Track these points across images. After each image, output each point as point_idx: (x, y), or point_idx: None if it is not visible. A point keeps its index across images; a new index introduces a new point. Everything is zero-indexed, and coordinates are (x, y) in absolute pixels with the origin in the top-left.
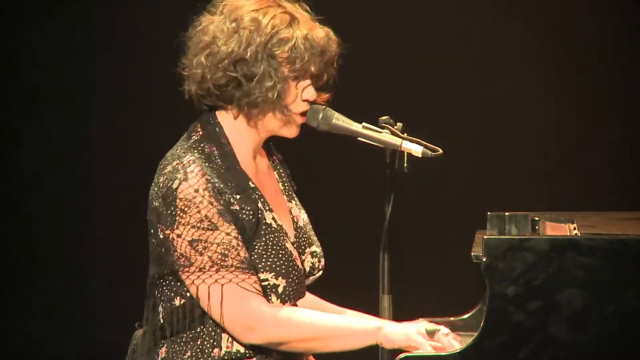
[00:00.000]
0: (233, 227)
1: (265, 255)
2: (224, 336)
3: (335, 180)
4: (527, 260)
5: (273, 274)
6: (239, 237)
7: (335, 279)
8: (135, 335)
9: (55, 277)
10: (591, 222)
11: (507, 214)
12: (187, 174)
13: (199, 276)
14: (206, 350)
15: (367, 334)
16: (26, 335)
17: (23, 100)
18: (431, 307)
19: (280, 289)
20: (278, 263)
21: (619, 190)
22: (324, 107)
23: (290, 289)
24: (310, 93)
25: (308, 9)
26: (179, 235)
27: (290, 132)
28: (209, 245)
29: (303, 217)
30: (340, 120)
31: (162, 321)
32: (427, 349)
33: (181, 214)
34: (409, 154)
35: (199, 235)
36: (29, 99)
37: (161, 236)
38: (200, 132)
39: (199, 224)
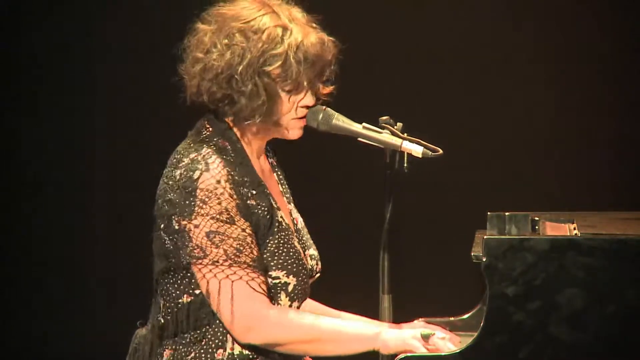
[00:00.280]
0: (248, 223)
1: (277, 253)
2: (229, 337)
3: (335, 180)
4: (527, 260)
5: (284, 272)
6: (253, 234)
7: (335, 279)
8: (137, 334)
9: (55, 277)
10: (591, 222)
11: (507, 214)
12: (208, 165)
13: (210, 270)
14: (210, 351)
15: (366, 340)
16: (26, 335)
17: (23, 100)
18: (431, 307)
19: (290, 288)
20: (289, 261)
21: (619, 190)
22: (324, 107)
23: (299, 287)
24: (307, 100)
25: (301, 10)
26: (196, 226)
27: (291, 135)
28: (226, 238)
29: (300, 220)
30: (340, 121)
31: (165, 320)
32: (422, 351)
33: (201, 205)
34: (409, 154)
35: (217, 228)
36: (29, 99)
37: (176, 227)
38: (210, 128)
39: (218, 216)
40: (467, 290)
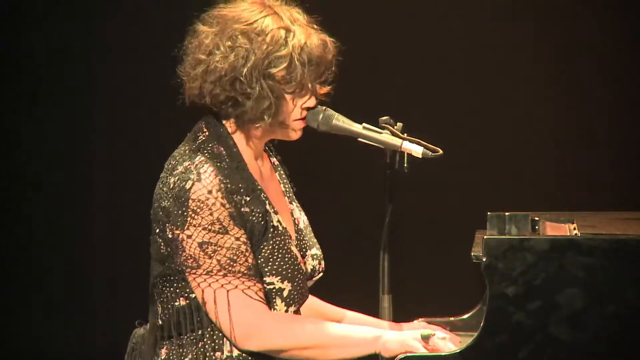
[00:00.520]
0: (242, 231)
1: (271, 259)
2: (226, 340)
3: (335, 180)
4: (527, 260)
5: (279, 277)
6: (248, 242)
7: (335, 279)
8: (134, 334)
9: (55, 277)
10: (591, 222)
11: (507, 214)
12: (200, 175)
13: (205, 279)
14: (208, 354)
15: (366, 344)
16: (26, 335)
17: (23, 100)
18: (431, 307)
19: (285, 293)
20: (284, 267)
21: (619, 190)
22: (324, 108)
23: (295, 292)
24: (310, 102)
25: (301, 10)
26: (189, 236)
27: (292, 136)
28: (219, 249)
29: (303, 219)
30: (341, 121)
31: (162, 322)
32: (422, 351)
33: (193, 215)
34: (409, 155)
35: (210, 238)
36: (29, 99)
37: (170, 235)
38: (207, 132)
39: (210, 227)
40: (467, 290)
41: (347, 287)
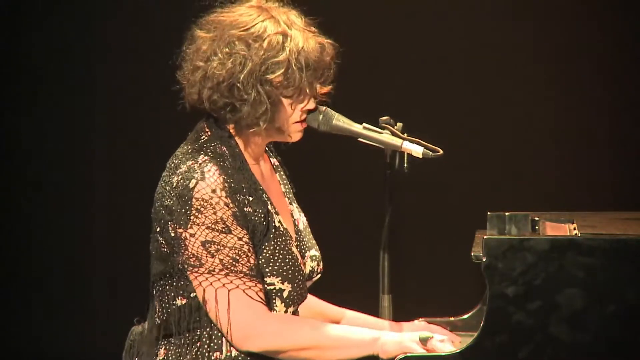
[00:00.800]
0: (245, 231)
1: (272, 260)
2: (225, 340)
3: (335, 180)
4: (527, 260)
5: (279, 278)
6: (250, 242)
7: (335, 279)
8: (132, 331)
9: (55, 277)
10: (591, 222)
11: (507, 214)
12: (204, 174)
13: (207, 278)
14: (206, 354)
15: (365, 345)
16: (26, 335)
17: (23, 100)
18: (431, 307)
19: (285, 294)
20: (285, 267)
21: (619, 190)
22: (324, 108)
23: (295, 293)
24: (310, 105)
25: (298, 14)
26: (192, 235)
27: (292, 138)
28: (222, 248)
29: (303, 221)
30: (341, 121)
31: (161, 320)
32: (420, 352)
33: (196, 214)
34: (409, 155)
35: (213, 237)
36: (29, 99)
37: (172, 234)
38: (209, 132)
39: (213, 226)
40: (467, 290)
41: (347, 287)
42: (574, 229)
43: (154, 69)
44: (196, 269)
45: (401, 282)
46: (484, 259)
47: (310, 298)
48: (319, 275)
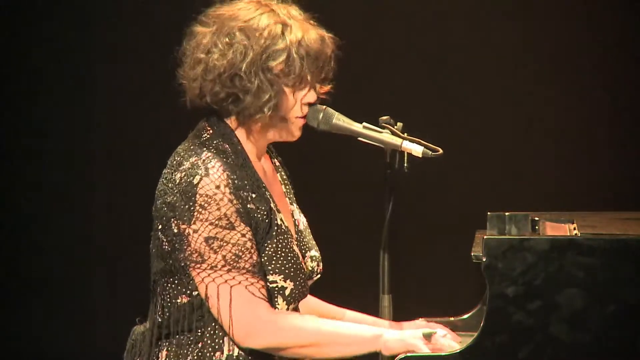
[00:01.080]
0: (248, 228)
1: (275, 257)
2: (226, 340)
3: (335, 180)
4: (527, 260)
5: (282, 276)
6: (253, 239)
7: (336, 279)
8: (134, 331)
9: (55, 277)
10: (591, 222)
11: (507, 214)
12: (208, 170)
13: (209, 274)
14: (208, 354)
15: (367, 342)
16: (26, 335)
17: (23, 100)
18: (431, 307)
19: (287, 292)
20: (287, 265)
21: (619, 190)
22: (324, 107)
23: (296, 291)
24: (310, 97)
25: (299, 10)
26: (195, 231)
27: (292, 136)
28: (224, 244)
29: (303, 221)
30: (341, 120)
31: (163, 319)
32: (423, 349)
33: (200, 210)
34: (409, 154)
35: (216, 233)
36: (29, 99)
37: (175, 230)
38: (211, 130)
39: (217, 222)
40: (467, 290)
41: (347, 287)
42: (574, 229)
43: (154, 69)
44: (199, 265)
45: (401, 282)
46: (484, 259)
47: (310, 298)
48: (319, 276)
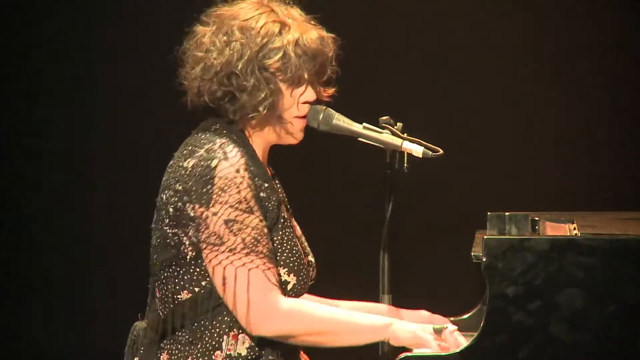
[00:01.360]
0: (262, 215)
1: (280, 250)
2: (226, 338)
3: (335, 180)
4: (527, 260)
5: (286, 269)
6: (266, 226)
7: (336, 279)
8: (135, 327)
9: (55, 277)
10: (591, 222)
11: (507, 214)
12: (226, 153)
13: (227, 256)
14: (207, 353)
15: (376, 331)
16: (26, 335)
17: (23, 100)
18: (431, 307)
19: (290, 286)
20: (292, 259)
21: (619, 190)
22: (325, 107)
23: (298, 286)
24: (308, 95)
25: (300, 10)
26: (214, 214)
27: (293, 137)
28: (244, 227)
29: (298, 229)
30: (341, 121)
31: (164, 315)
32: (433, 345)
33: (220, 192)
34: (410, 154)
35: (236, 216)
36: (29, 99)
37: (192, 214)
38: (218, 125)
39: (237, 205)
40: (467, 290)
41: (347, 287)
42: (574, 229)
43: (154, 69)
44: (216, 248)
45: (401, 282)
46: (484, 259)
47: (305, 296)
48: (312, 282)
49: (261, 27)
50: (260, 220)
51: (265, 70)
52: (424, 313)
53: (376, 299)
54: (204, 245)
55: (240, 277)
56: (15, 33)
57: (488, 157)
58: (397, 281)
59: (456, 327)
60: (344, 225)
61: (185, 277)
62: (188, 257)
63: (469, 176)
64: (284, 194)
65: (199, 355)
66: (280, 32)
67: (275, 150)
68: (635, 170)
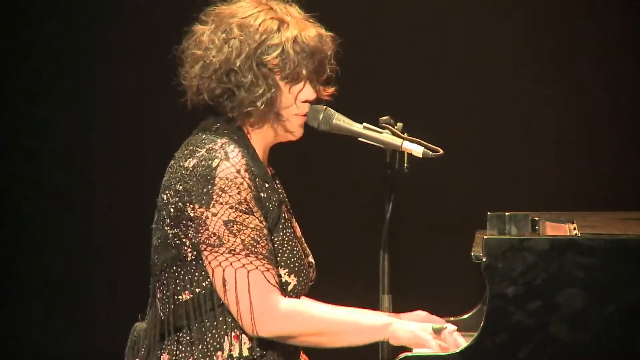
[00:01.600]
0: (263, 216)
1: (281, 251)
2: (227, 339)
3: (335, 180)
4: (527, 260)
5: (287, 270)
6: (267, 227)
7: (336, 279)
8: (135, 327)
9: (55, 277)
10: (591, 222)
11: (507, 214)
12: (227, 154)
13: (227, 258)
14: (209, 354)
15: (376, 330)
16: (26, 335)
17: (23, 100)
18: (431, 307)
19: (290, 287)
20: (292, 260)
21: (619, 190)
22: (325, 107)
23: (299, 287)
24: (308, 93)
25: (299, 9)
26: (214, 214)
27: (292, 134)
28: (244, 228)
29: (298, 229)
30: (341, 121)
31: (165, 315)
32: (433, 344)
33: (220, 193)
34: (410, 154)
35: (236, 217)
36: (29, 99)
37: (192, 214)
38: (219, 124)
39: (237, 205)
40: (467, 290)
41: (347, 287)
42: (574, 229)
43: (154, 69)
44: (216, 249)
45: (401, 282)
46: (484, 259)
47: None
48: (312, 282)
49: (260, 24)
50: (260, 221)
51: (263, 67)
52: (421, 313)
53: (376, 299)
54: (204, 247)
55: (240, 278)
56: (15, 33)
57: (488, 157)
58: (397, 281)
59: (455, 327)
60: (344, 225)
61: (186, 278)
62: (189, 258)
63: (469, 176)
64: (285, 194)
65: (200, 355)
66: (278, 29)
67: (276, 150)
68: (635, 170)
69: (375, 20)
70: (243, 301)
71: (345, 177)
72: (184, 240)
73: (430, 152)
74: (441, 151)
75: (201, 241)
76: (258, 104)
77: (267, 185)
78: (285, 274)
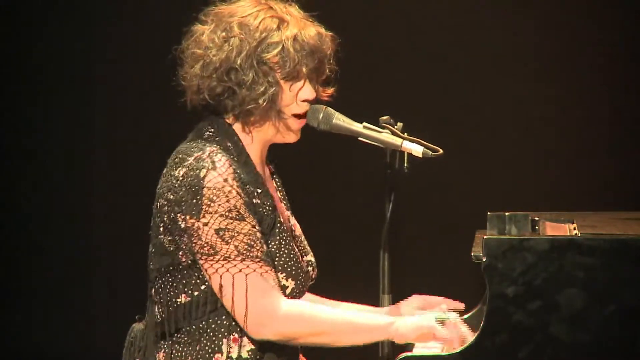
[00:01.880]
0: (256, 221)
1: (278, 255)
2: (225, 342)
3: (335, 180)
4: (527, 260)
5: (284, 274)
6: (261, 232)
7: (336, 279)
8: (133, 328)
9: (55, 277)
10: (591, 222)
11: (507, 214)
12: (214, 163)
13: (223, 265)
14: (207, 356)
15: (379, 330)
16: (26, 335)
17: (23, 100)
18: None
19: (288, 290)
20: (290, 264)
21: (619, 191)
22: (324, 107)
23: (297, 290)
24: (307, 93)
25: (298, 9)
26: (205, 224)
27: (290, 137)
28: (236, 234)
29: (298, 227)
30: (341, 120)
31: (162, 318)
32: (440, 329)
33: (209, 203)
34: (410, 154)
35: (227, 225)
36: (29, 99)
37: (182, 225)
38: (212, 129)
39: (227, 214)
40: (467, 290)
41: (347, 287)
42: (574, 229)
43: (154, 69)
44: (211, 258)
45: (401, 282)
46: (484, 259)
47: (309, 296)
48: (313, 281)
49: (260, 23)
50: (253, 226)
51: (264, 65)
52: (417, 297)
53: (376, 299)
54: (199, 256)
55: (238, 283)
56: (15, 33)
57: (488, 157)
58: (397, 281)
59: (457, 315)
60: (344, 225)
61: (184, 282)
62: (185, 264)
63: (469, 176)
64: (284, 192)
65: (198, 357)
66: (278, 28)
67: (276, 150)
68: (635, 170)
69: (375, 20)
70: (242, 304)
71: (345, 177)
72: (180, 247)
73: (430, 152)
74: (441, 151)
75: (196, 251)
76: (260, 101)
77: (259, 191)
78: (282, 278)
